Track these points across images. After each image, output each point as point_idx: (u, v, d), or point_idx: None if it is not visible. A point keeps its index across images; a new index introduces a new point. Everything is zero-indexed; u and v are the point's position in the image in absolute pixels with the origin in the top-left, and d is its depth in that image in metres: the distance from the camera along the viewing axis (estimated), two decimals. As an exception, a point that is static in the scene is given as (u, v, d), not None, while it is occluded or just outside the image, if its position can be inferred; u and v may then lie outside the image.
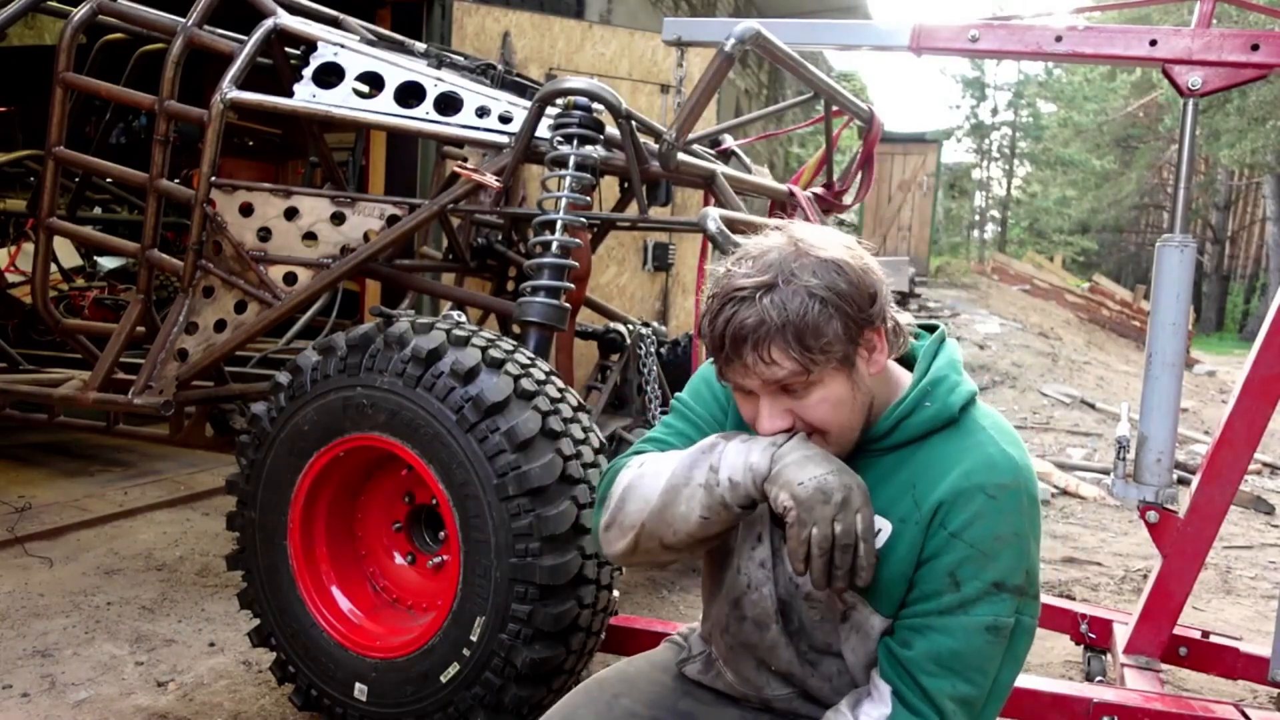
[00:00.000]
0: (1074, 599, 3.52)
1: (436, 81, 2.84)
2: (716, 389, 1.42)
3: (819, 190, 3.73)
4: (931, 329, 1.35)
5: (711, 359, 1.21)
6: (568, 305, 2.53)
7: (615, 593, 2.14)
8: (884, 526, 1.22)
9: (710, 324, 1.17)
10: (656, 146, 2.71)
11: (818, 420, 1.18)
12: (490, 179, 2.66)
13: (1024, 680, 2.25)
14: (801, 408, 1.17)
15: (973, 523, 1.17)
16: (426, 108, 2.80)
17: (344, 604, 2.25)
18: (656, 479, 1.25)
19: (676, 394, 1.50)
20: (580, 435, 2.11)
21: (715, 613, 1.39)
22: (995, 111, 24.66)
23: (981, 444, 1.21)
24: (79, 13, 3.15)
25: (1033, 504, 1.21)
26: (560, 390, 2.15)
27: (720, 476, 1.18)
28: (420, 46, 3.23)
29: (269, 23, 2.97)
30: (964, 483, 1.18)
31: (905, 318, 1.27)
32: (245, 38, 2.99)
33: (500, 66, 3.15)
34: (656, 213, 3.41)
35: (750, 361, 1.14)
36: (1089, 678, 2.75)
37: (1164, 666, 2.51)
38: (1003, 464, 1.20)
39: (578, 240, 2.58)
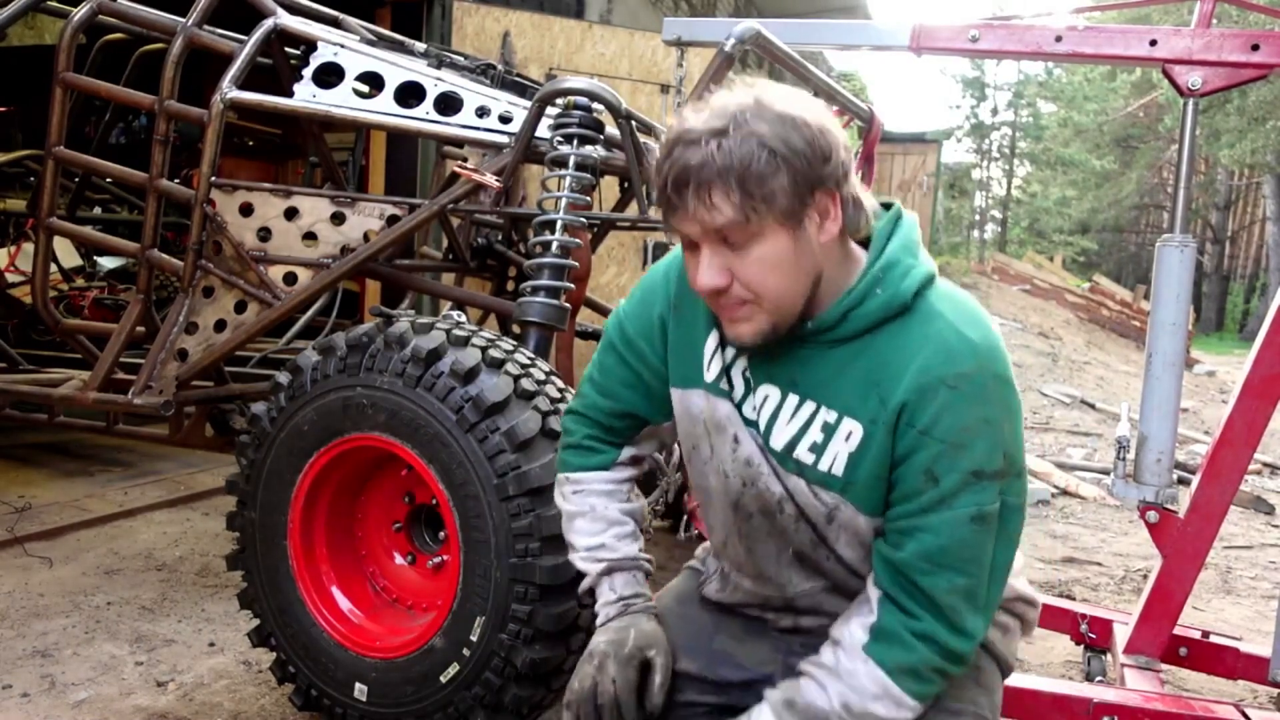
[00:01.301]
0: (1074, 599, 3.52)
1: (436, 81, 2.84)
2: (655, 304, 1.40)
3: (819, 190, 3.72)
4: (887, 206, 1.29)
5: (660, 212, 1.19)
6: (568, 305, 2.53)
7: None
8: (854, 429, 1.20)
9: (658, 167, 1.15)
10: (656, 146, 2.71)
11: (753, 280, 1.15)
12: (490, 179, 2.66)
13: (1024, 680, 2.25)
14: (739, 265, 1.15)
15: (939, 418, 1.15)
16: (426, 108, 2.80)
17: (344, 604, 2.25)
18: (573, 545, 1.47)
19: (618, 311, 1.47)
20: (580, 435, 2.11)
21: (721, 522, 1.37)
22: (995, 111, 24.67)
23: (939, 332, 1.17)
24: (79, 13, 3.15)
25: (999, 383, 1.17)
26: (560, 390, 2.15)
27: (602, 580, 1.45)
28: (420, 46, 3.23)
29: (269, 23, 2.97)
30: (923, 378, 1.15)
31: (870, 200, 1.23)
32: (245, 38, 2.99)
33: (500, 66, 3.15)
34: (656, 213, 3.40)
35: (691, 207, 1.12)
36: (1089, 678, 2.75)
37: (1164, 666, 2.50)
38: (961, 350, 1.16)
39: (578, 240, 2.58)
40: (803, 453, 1.24)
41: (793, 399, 1.24)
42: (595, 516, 1.45)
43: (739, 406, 1.30)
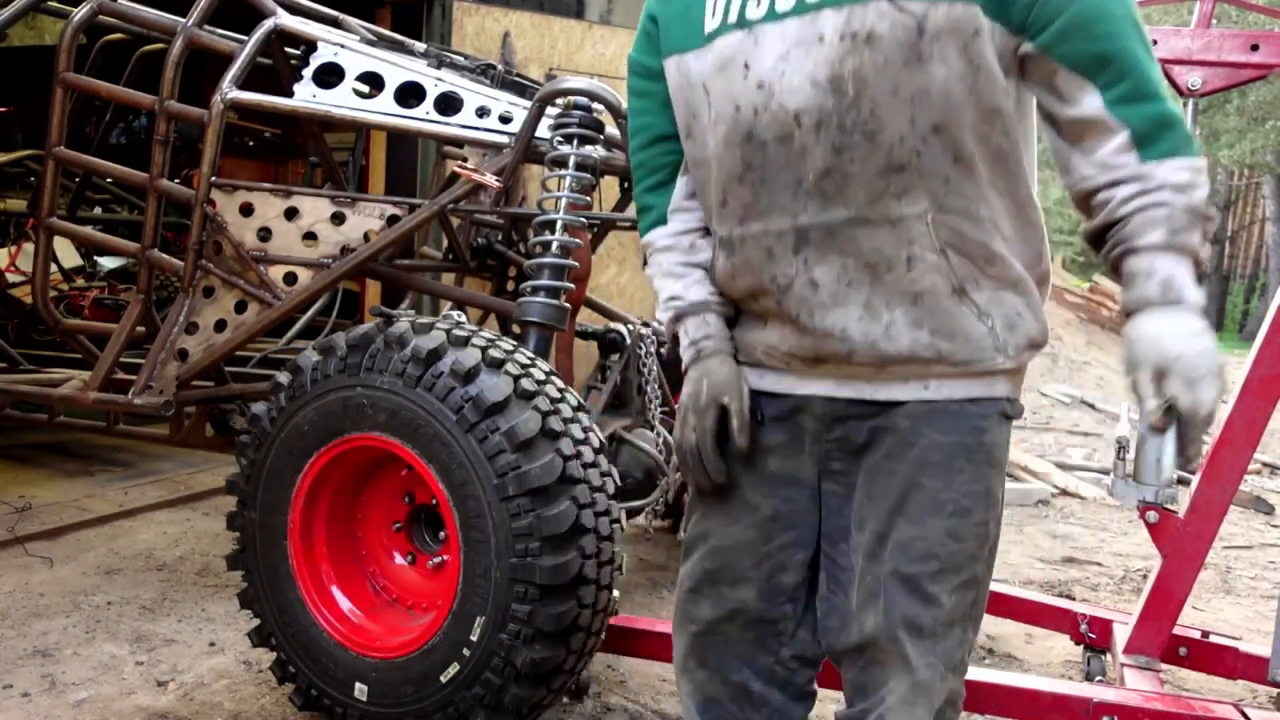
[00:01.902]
0: (1074, 599, 3.52)
1: (436, 81, 2.84)
2: (649, 15, 1.44)
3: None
4: None
5: None
6: (568, 305, 2.53)
7: (615, 593, 2.14)
8: None
9: None
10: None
11: None
12: (490, 179, 2.66)
13: (1024, 680, 2.25)
14: None
15: None
16: (426, 108, 2.80)
17: (344, 604, 2.25)
18: (659, 305, 1.53)
19: (632, 61, 1.50)
20: (580, 435, 2.11)
21: (727, 168, 1.35)
22: (995, 111, 24.64)
23: None
24: (79, 13, 3.15)
25: None
26: (560, 390, 2.15)
27: (677, 327, 1.51)
28: (420, 46, 3.23)
29: (269, 23, 2.97)
30: None
31: None
32: (245, 38, 2.99)
33: (500, 66, 3.15)
34: None
35: None
36: (1089, 678, 2.75)
37: (1164, 666, 2.51)
38: None
39: (578, 240, 2.58)
40: None
41: None
42: (664, 273, 1.53)
43: (772, 9, 1.27)
